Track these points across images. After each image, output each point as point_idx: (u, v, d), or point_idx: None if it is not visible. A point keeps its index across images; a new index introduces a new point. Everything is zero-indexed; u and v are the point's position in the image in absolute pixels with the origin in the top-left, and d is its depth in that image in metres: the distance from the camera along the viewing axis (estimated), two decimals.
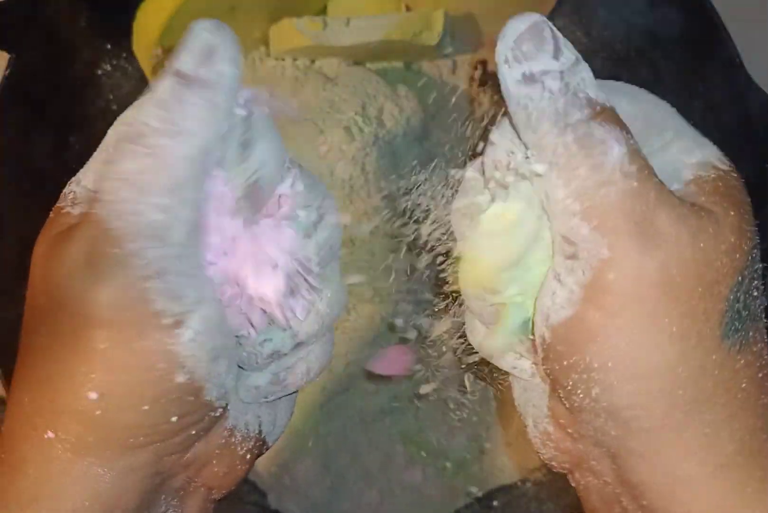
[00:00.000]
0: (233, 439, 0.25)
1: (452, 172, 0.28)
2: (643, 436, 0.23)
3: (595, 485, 0.27)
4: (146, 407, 0.21)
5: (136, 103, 0.23)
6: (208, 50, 0.21)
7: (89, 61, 0.48)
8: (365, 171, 0.43)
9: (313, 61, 0.48)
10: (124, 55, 0.48)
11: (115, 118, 0.53)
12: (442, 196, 0.35)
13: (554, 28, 0.22)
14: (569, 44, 0.22)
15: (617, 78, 0.53)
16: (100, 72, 0.48)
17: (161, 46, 0.44)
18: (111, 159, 0.21)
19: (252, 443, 0.26)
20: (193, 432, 0.23)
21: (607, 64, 0.52)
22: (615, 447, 0.24)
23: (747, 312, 0.23)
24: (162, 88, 0.21)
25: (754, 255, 0.23)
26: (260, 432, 0.26)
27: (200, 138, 0.21)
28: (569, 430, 0.25)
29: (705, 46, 0.46)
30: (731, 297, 0.22)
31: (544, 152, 0.22)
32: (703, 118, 0.48)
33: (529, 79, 0.21)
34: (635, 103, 0.25)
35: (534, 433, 0.27)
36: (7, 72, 0.43)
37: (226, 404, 0.24)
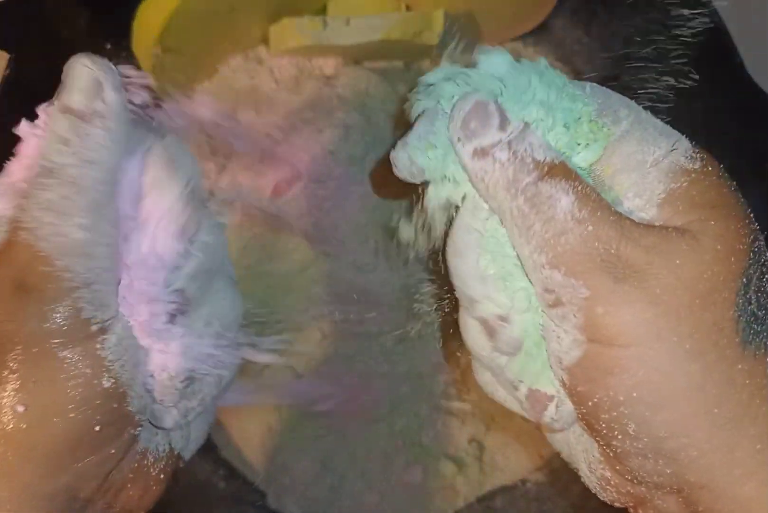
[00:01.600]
0: (146, 462, 0.25)
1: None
2: (696, 465, 0.22)
3: None
4: (72, 414, 0.22)
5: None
6: (95, 84, 0.24)
7: None
8: (365, 171, 0.43)
9: (312, 61, 0.48)
10: (124, 54, 0.48)
11: None
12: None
13: (497, 103, 0.23)
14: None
15: (616, 78, 0.53)
16: None
17: (161, 45, 0.45)
18: (28, 193, 0.22)
19: (164, 463, 0.26)
20: (113, 451, 0.23)
21: (607, 64, 0.52)
22: (676, 484, 0.23)
23: (764, 311, 0.23)
24: (61, 127, 0.23)
25: (756, 249, 0.23)
26: (172, 450, 0.27)
27: (107, 162, 0.23)
28: (627, 477, 0.24)
29: (705, 47, 0.46)
30: (740, 301, 0.22)
31: (504, 216, 0.23)
32: (704, 119, 0.48)
33: (480, 153, 0.23)
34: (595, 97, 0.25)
35: (590, 479, 0.26)
36: (7, 72, 0.43)
37: (142, 424, 0.24)
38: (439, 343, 0.46)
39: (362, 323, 0.46)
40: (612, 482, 0.25)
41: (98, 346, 0.22)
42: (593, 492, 0.27)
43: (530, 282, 0.24)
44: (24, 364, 0.21)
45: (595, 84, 0.26)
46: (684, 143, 0.24)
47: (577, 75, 0.54)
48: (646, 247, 0.22)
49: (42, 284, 0.21)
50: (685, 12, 0.46)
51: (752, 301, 0.22)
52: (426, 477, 0.48)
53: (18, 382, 0.21)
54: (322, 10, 0.50)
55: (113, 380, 0.22)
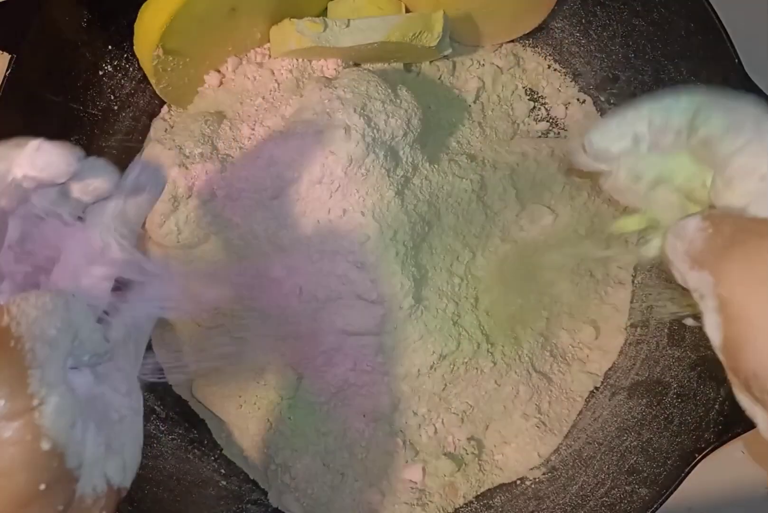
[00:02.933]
0: (83, 505, 0.26)
1: None
2: None
3: None
4: (17, 476, 0.24)
5: None
6: None
7: (90, 62, 0.48)
8: (365, 171, 0.43)
9: (313, 62, 0.49)
10: (125, 55, 0.49)
11: (115, 119, 0.54)
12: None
13: None
14: None
15: (615, 79, 0.54)
16: (101, 73, 0.48)
17: (162, 47, 0.45)
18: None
19: (104, 500, 0.27)
20: (60, 507, 0.25)
21: (606, 64, 0.52)
22: None
23: None
24: None
25: None
26: (110, 486, 0.28)
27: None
28: None
29: (704, 47, 0.46)
30: None
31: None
32: None
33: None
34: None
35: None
36: (7, 72, 0.43)
37: (79, 477, 0.26)
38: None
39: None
40: None
41: (36, 415, 0.24)
42: None
43: None
44: None
45: None
46: None
47: (576, 76, 0.54)
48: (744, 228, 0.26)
49: (4, 361, 0.24)
50: (684, 13, 0.47)
51: None
52: (426, 475, 0.48)
53: None
54: (323, 12, 0.50)
55: (52, 442, 0.24)
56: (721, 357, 0.27)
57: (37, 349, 0.24)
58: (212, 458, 0.49)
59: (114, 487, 0.28)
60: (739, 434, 0.42)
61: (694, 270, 0.27)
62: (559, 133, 0.54)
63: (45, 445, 0.24)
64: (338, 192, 0.43)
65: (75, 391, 0.27)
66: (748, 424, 0.32)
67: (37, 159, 0.26)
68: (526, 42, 0.54)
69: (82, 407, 0.26)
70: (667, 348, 0.49)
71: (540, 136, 0.53)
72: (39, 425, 0.24)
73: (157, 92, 0.48)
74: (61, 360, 0.25)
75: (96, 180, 0.29)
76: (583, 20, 0.52)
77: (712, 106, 0.30)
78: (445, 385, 0.48)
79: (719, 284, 0.26)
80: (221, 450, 0.50)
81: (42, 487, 0.24)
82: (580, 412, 0.50)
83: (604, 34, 0.51)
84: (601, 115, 0.54)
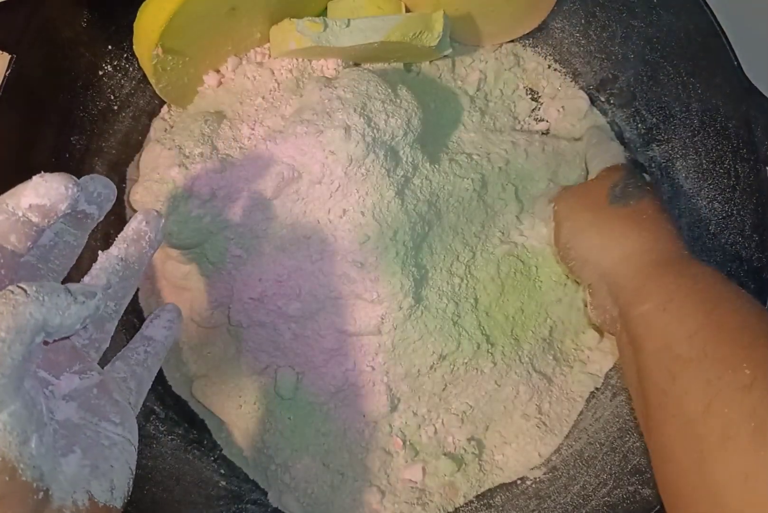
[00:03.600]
0: None
1: None
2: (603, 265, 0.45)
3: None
4: None
5: None
6: None
7: (90, 62, 0.48)
8: (365, 171, 0.43)
9: (313, 62, 0.49)
10: (125, 55, 0.49)
11: (116, 119, 0.54)
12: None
13: None
14: None
15: (615, 79, 0.54)
16: (101, 72, 0.48)
17: (162, 46, 0.44)
18: None
19: None
20: None
21: (605, 65, 0.52)
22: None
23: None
24: None
25: None
26: (94, 502, 0.29)
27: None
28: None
29: (703, 49, 0.46)
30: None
31: None
32: (702, 121, 0.48)
33: None
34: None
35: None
36: (7, 72, 0.43)
37: (47, 488, 0.27)
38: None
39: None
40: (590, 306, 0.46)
41: None
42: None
43: None
44: None
45: None
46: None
47: (576, 76, 0.54)
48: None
49: None
50: (683, 15, 0.47)
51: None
52: (426, 475, 0.48)
53: None
54: (323, 12, 0.50)
55: (0, 458, 0.25)
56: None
57: None
58: (212, 458, 0.49)
59: (99, 504, 0.29)
60: None
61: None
62: (557, 133, 0.54)
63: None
64: (338, 192, 0.43)
65: (55, 415, 0.29)
66: None
67: (40, 187, 0.29)
68: (526, 42, 0.54)
69: (43, 422, 0.27)
70: None
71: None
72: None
73: (157, 92, 0.48)
74: (10, 376, 0.25)
75: (98, 185, 0.33)
76: (583, 21, 0.52)
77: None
78: (445, 385, 0.48)
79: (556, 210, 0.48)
80: (221, 450, 0.50)
81: None
82: (581, 413, 0.50)
83: (604, 34, 0.51)
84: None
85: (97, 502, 0.29)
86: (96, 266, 0.33)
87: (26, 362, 0.26)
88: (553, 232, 0.48)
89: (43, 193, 0.29)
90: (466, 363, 0.47)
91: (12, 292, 0.26)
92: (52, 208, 0.30)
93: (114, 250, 0.34)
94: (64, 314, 0.27)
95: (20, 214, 0.29)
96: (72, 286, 0.28)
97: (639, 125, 0.52)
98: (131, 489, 0.31)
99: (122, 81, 0.49)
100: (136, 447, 0.32)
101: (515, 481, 0.49)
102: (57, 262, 0.33)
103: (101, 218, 0.34)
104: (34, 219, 0.30)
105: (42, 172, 0.30)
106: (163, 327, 0.37)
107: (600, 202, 0.45)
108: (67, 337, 0.32)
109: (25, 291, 0.26)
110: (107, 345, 0.34)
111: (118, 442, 0.31)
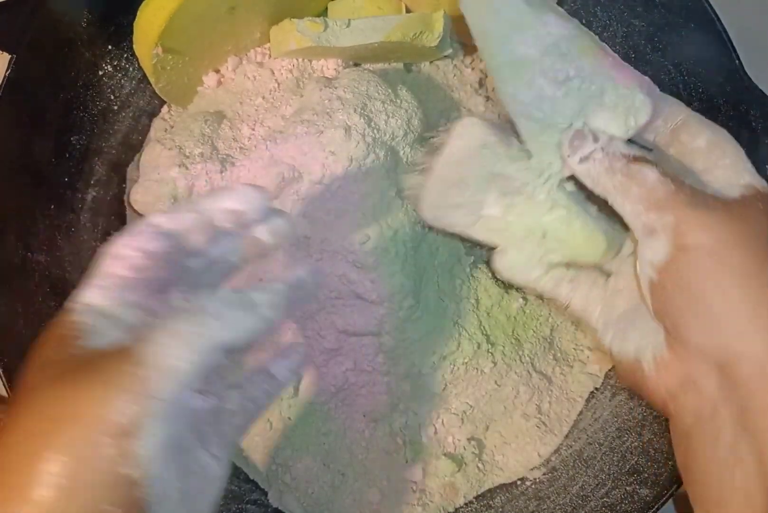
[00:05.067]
0: None
1: None
2: (741, 336, 0.33)
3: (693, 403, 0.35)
4: (87, 493, 0.24)
5: None
6: None
7: (90, 62, 0.48)
8: (365, 171, 0.43)
9: (313, 62, 0.49)
10: (125, 55, 0.49)
11: (116, 119, 0.54)
12: None
13: (588, 128, 0.38)
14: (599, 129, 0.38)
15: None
16: (101, 73, 0.48)
17: (161, 46, 0.45)
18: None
19: None
20: None
21: None
22: (724, 355, 0.33)
23: None
24: None
25: None
26: None
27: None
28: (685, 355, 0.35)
29: (704, 47, 0.46)
30: None
31: (609, 193, 0.37)
32: None
33: (584, 159, 0.37)
34: (713, 133, 0.39)
35: (650, 365, 0.37)
36: (7, 72, 0.43)
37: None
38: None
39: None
40: (669, 365, 0.36)
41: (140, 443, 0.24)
42: (648, 377, 0.37)
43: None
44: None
45: None
46: (758, 177, 0.39)
47: None
48: (713, 197, 0.35)
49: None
50: (684, 14, 0.47)
51: None
52: (426, 475, 0.48)
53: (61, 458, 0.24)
54: (323, 12, 0.50)
55: (134, 470, 0.24)
56: (653, 274, 0.36)
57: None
58: None
59: None
60: None
61: (652, 211, 0.35)
62: None
63: (125, 469, 0.24)
64: (338, 192, 0.43)
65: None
66: None
67: (240, 195, 0.31)
68: None
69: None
70: None
71: None
72: (139, 454, 0.24)
73: (157, 91, 0.48)
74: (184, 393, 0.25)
75: (279, 220, 0.33)
76: (584, 20, 0.52)
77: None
78: (446, 385, 0.48)
79: (681, 224, 0.34)
80: None
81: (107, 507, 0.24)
82: (581, 413, 0.50)
83: (605, 34, 0.51)
84: None
85: None
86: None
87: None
88: (649, 248, 0.36)
89: (241, 200, 0.31)
90: (466, 363, 0.47)
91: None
92: (244, 215, 0.31)
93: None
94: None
95: (213, 216, 0.31)
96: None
97: None
98: None
99: (122, 81, 0.49)
100: (222, 484, 0.30)
101: (515, 482, 0.49)
102: (209, 277, 0.33)
103: (267, 254, 0.34)
104: (225, 224, 0.31)
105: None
106: (289, 370, 0.35)
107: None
108: None
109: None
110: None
111: (207, 476, 0.29)
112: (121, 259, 0.29)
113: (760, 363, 0.31)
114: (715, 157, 0.38)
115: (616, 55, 0.40)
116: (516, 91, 0.39)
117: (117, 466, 0.24)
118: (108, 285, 0.29)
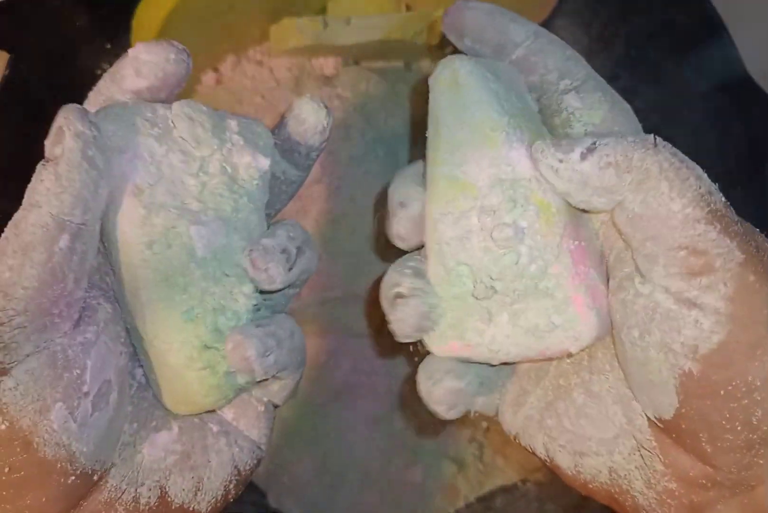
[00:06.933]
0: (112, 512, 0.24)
1: None
2: None
3: None
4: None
5: None
6: (57, 131, 0.24)
7: (89, 61, 0.48)
8: (365, 171, 0.43)
9: (312, 61, 0.48)
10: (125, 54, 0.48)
11: None
12: None
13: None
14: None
15: (617, 78, 0.53)
16: (99, 72, 0.48)
17: None
18: None
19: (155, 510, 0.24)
20: (44, 499, 0.22)
21: (607, 63, 0.52)
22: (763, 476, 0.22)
23: None
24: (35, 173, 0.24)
25: None
26: (168, 502, 0.24)
27: (45, 207, 0.23)
28: (702, 480, 0.23)
29: (705, 47, 0.46)
30: None
31: (648, 178, 0.23)
32: (704, 119, 0.48)
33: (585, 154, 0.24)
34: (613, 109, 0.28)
35: (647, 495, 0.25)
36: (6, 72, 0.43)
37: (89, 472, 0.23)
38: None
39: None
40: (676, 493, 0.24)
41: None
42: (646, 509, 0.26)
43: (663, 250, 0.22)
44: None
45: None
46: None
47: None
48: None
49: None
50: (686, 13, 0.46)
51: None
52: (426, 477, 0.48)
53: None
54: (322, 10, 0.50)
55: (8, 424, 0.22)
56: (692, 365, 0.22)
57: None
58: None
59: (173, 505, 0.24)
60: None
61: (713, 227, 0.22)
62: None
63: (1, 425, 0.22)
64: (338, 191, 0.43)
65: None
66: None
67: (142, 66, 0.26)
68: None
69: (80, 390, 0.23)
70: None
71: None
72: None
73: None
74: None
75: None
76: (585, 19, 0.52)
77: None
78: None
79: (748, 267, 0.21)
80: None
81: (6, 469, 0.22)
82: None
83: (606, 32, 0.51)
84: None
85: (170, 502, 0.24)
86: None
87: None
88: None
89: (146, 73, 0.27)
90: None
91: None
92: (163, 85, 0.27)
93: None
94: None
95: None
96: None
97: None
98: (234, 495, 0.26)
99: None
100: (263, 448, 0.27)
101: (516, 484, 0.49)
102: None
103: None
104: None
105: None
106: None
107: None
108: None
109: None
110: None
111: (231, 432, 0.26)
112: None
113: None
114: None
115: (585, 245, 0.26)
116: (441, 217, 0.26)
117: None
118: None
